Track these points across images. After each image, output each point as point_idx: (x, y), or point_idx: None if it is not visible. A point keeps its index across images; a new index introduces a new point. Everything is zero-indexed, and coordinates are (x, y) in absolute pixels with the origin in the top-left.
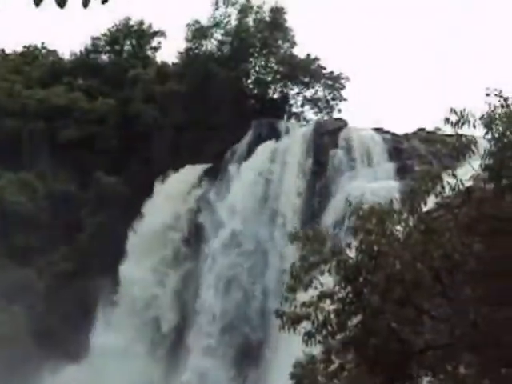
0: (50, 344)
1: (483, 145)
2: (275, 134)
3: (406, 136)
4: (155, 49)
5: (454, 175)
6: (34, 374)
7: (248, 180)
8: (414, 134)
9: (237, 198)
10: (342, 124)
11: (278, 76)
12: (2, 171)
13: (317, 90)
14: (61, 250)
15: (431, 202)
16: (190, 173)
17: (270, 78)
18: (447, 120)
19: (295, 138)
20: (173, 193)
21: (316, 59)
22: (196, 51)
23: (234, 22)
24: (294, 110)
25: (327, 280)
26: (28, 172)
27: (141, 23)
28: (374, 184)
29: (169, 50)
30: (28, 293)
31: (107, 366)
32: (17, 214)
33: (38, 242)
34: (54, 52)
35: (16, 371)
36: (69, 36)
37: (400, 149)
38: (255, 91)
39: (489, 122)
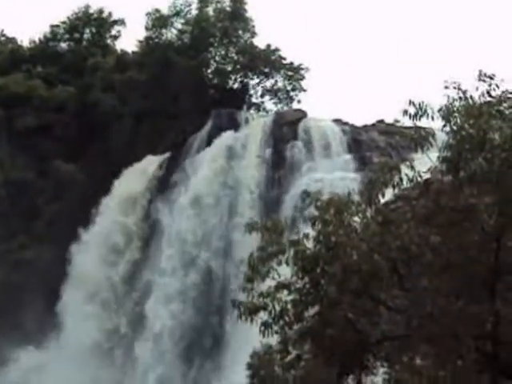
0: (9, 332)
1: (441, 137)
2: (235, 124)
3: (365, 128)
4: (115, 37)
5: (412, 167)
6: None
7: (206, 171)
8: (373, 125)
9: (195, 189)
10: (301, 115)
11: (238, 66)
12: None
13: (276, 81)
14: (18, 238)
15: (389, 193)
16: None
17: (229, 68)
18: (406, 112)
19: (254, 129)
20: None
21: (276, 50)
22: (156, 40)
23: (194, 12)
24: (254, 100)
25: (285, 270)
26: None
27: (100, 11)
28: (332, 175)
29: (128, 39)
30: None
31: (72, 353)
32: None
33: None
34: (13, 39)
35: None
36: (28, 24)
37: (359, 140)
38: (215, 81)
39: (447, 114)
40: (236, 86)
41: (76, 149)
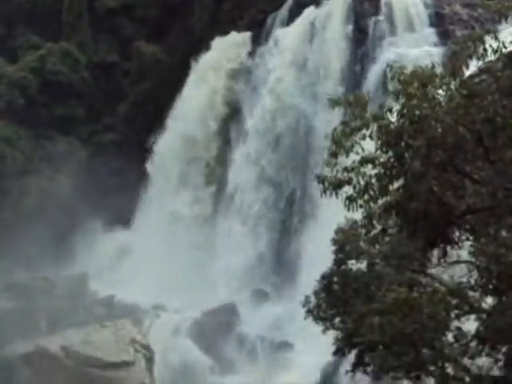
0: (94, 211)
1: None
2: (315, 1)
3: (448, 1)
4: None
5: (497, 38)
6: (80, 240)
7: (288, 48)
8: None
9: (276, 67)
10: None
11: None
12: (42, 41)
13: None
14: (103, 120)
15: (473, 66)
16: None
17: None
18: None
19: (336, 5)
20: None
21: None
22: None
23: None
24: None
25: (369, 145)
26: (68, 42)
27: None
28: (415, 50)
29: None
30: (71, 162)
31: (154, 231)
32: (59, 84)
33: (81, 112)
34: None
35: (63, 238)
36: None
37: (441, 14)
38: None
39: None
40: None
41: (158, 29)
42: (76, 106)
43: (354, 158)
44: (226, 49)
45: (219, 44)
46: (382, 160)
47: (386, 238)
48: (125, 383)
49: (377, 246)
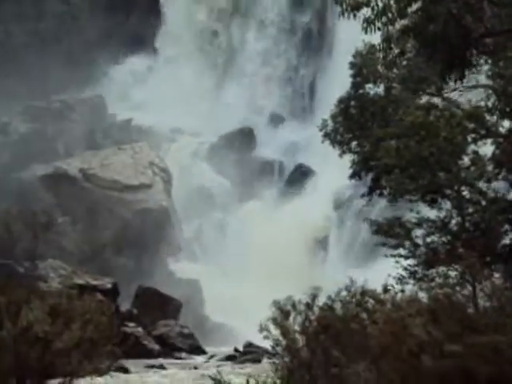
0: (112, 35)
1: None
2: None
3: None
4: None
5: None
6: (99, 64)
7: None
8: None
9: None
10: None
11: None
12: None
13: None
14: None
15: None
16: None
17: None
18: None
19: None
20: None
21: None
22: None
23: None
24: None
25: None
26: None
27: None
28: None
29: None
30: None
31: (172, 56)
32: None
33: None
34: None
35: (81, 62)
36: None
37: None
38: None
39: None
40: None
41: None
42: None
43: None
44: None
45: None
46: None
47: (404, 62)
48: (143, 205)
49: (394, 70)
